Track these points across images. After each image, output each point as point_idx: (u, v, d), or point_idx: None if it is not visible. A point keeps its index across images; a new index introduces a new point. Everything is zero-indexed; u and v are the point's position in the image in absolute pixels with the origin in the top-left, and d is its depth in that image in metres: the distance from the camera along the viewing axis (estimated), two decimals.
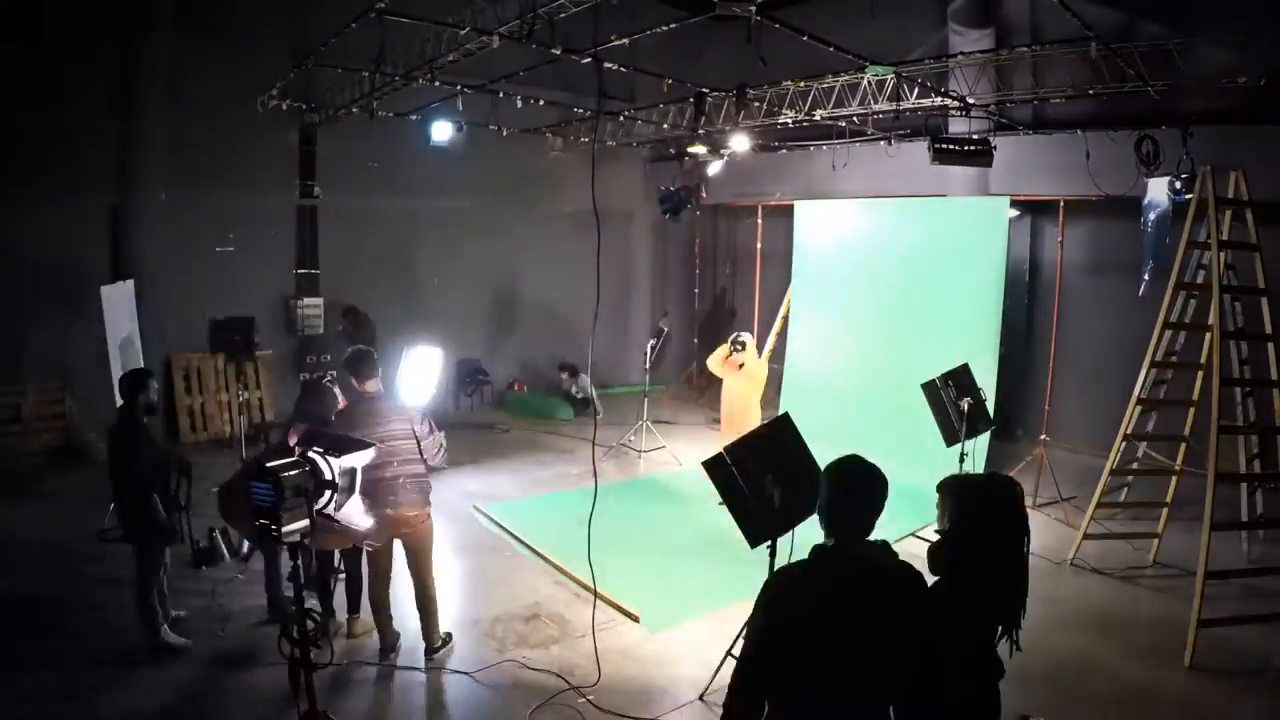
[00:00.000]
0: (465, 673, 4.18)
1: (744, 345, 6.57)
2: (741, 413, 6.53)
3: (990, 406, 6.42)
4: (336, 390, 4.97)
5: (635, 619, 4.84)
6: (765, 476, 3.87)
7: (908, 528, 6.50)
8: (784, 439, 4.04)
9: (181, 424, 8.41)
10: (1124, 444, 6.00)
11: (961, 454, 5.67)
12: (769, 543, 3.88)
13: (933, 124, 7.75)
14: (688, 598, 5.19)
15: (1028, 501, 7.16)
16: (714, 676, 4.04)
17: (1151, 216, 6.02)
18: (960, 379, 5.67)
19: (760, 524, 3.92)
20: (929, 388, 5.68)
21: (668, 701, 3.97)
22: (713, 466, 4.16)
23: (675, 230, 11.07)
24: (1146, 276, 6.12)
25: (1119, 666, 4.39)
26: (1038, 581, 5.20)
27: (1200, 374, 5.74)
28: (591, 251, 4.15)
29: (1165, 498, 6.02)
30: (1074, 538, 6.26)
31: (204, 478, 6.90)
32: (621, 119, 9.31)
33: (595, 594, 4.56)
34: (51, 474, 7.13)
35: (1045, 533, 6.39)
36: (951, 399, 5.64)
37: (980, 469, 7.12)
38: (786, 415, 4.29)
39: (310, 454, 2.96)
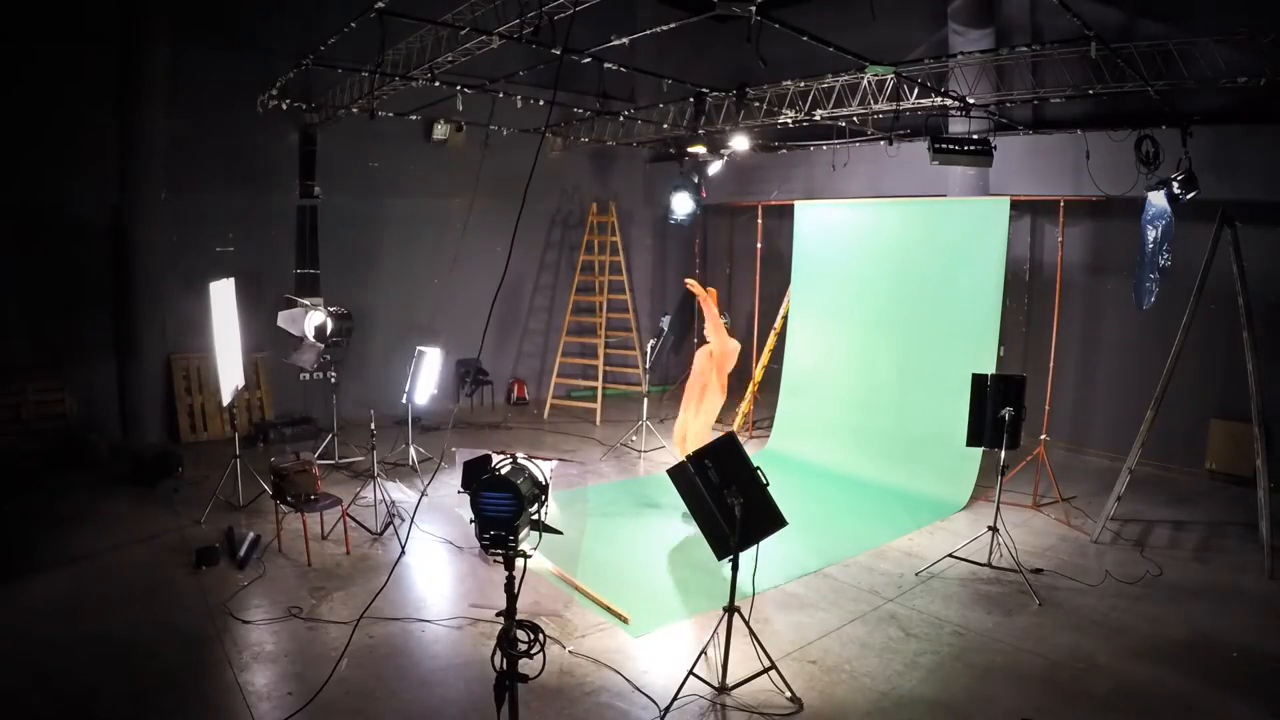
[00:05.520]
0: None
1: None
2: (700, 387, 6.94)
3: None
4: None
5: (625, 620, 4.81)
6: (729, 487, 3.90)
7: (901, 530, 6.51)
8: (741, 455, 4.08)
9: (182, 424, 8.40)
10: (1140, 448, 5.99)
11: (1002, 467, 5.56)
12: (731, 557, 3.91)
13: (933, 124, 7.74)
14: (686, 598, 5.20)
15: (1027, 501, 7.18)
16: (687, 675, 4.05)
17: (1159, 226, 5.99)
18: (1011, 387, 5.48)
19: (724, 536, 3.93)
20: (978, 380, 5.59)
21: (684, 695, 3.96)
22: (677, 475, 4.17)
23: (675, 230, 11.08)
24: (1153, 288, 6.11)
25: (1119, 666, 4.38)
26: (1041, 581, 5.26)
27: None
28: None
29: (1163, 499, 6.01)
30: (1075, 537, 6.28)
31: (206, 477, 6.98)
32: (621, 119, 9.32)
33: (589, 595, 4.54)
34: (52, 474, 7.09)
35: (1046, 533, 6.39)
36: (995, 401, 5.48)
37: (973, 469, 7.15)
38: (733, 434, 4.30)
39: (522, 460, 2.96)
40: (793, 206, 9.16)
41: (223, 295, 6.52)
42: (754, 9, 4.43)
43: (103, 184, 7.82)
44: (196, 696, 3.92)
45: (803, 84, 7.35)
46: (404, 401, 7.57)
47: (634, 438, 8.83)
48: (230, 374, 6.50)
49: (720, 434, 4.37)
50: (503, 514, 2.78)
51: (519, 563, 2.94)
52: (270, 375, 8.96)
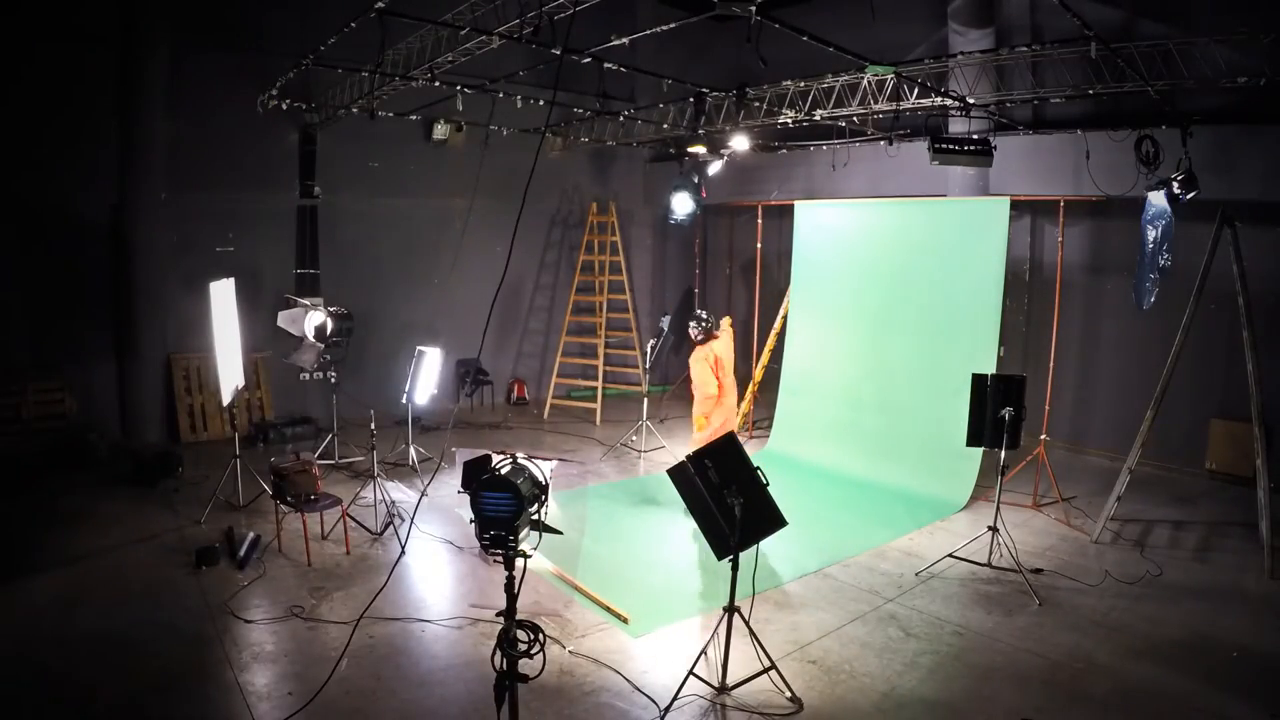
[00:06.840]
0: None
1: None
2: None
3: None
4: None
5: (625, 620, 4.81)
6: (729, 487, 3.90)
7: (901, 530, 6.51)
8: (741, 455, 4.09)
9: (182, 424, 8.40)
10: (1140, 448, 6.00)
11: (1002, 467, 5.53)
12: (731, 557, 3.91)
13: (933, 124, 7.74)
14: (686, 598, 5.20)
15: (1027, 501, 7.17)
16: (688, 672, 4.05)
17: (1159, 226, 6.00)
18: (1011, 387, 5.46)
19: (724, 536, 3.94)
20: (978, 380, 5.57)
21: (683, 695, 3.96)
22: (677, 475, 4.18)
23: (675, 230, 11.09)
24: (1153, 288, 6.11)
25: (1119, 666, 4.38)
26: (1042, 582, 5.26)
27: None
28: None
29: (1163, 499, 6.00)
30: (1075, 537, 6.28)
31: (206, 477, 6.98)
32: (621, 119, 9.32)
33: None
34: (52, 474, 7.09)
35: (1046, 533, 6.39)
36: (995, 401, 5.45)
37: (973, 469, 7.15)
38: (732, 434, 4.29)
39: (522, 460, 2.97)
40: (793, 206, 9.16)
41: (223, 295, 6.53)
42: (754, 9, 4.43)
43: (103, 184, 7.82)
44: (196, 696, 3.92)
45: (803, 84, 7.35)
46: (404, 401, 7.57)
47: (634, 438, 8.83)
48: (230, 374, 6.51)
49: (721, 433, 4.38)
50: (503, 514, 2.79)
51: (519, 563, 2.94)
52: (270, 375, 8.96)
